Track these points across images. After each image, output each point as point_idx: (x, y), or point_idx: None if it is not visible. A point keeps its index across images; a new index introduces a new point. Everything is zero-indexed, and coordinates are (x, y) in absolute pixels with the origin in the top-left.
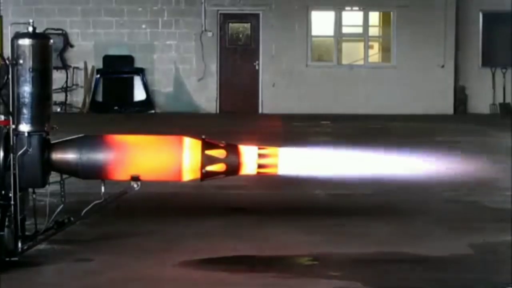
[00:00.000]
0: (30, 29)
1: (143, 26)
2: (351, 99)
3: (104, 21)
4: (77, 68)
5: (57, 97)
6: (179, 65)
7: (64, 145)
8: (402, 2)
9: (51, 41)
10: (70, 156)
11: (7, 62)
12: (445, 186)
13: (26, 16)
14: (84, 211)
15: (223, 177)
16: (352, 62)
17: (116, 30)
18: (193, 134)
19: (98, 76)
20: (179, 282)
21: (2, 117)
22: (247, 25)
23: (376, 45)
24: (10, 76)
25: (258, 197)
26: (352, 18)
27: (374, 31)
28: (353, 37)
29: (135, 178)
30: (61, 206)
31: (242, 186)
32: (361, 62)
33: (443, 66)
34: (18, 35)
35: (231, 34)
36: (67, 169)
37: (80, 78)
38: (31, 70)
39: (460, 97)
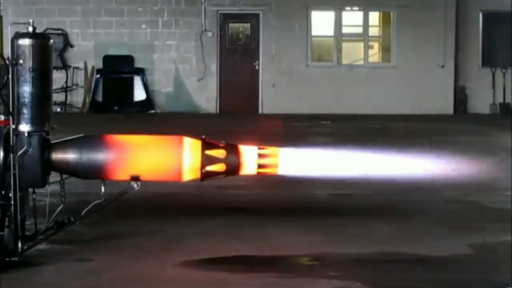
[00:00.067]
0: (30, 29)
1: (143, 26)
2: (351, 99)
3: (104, 21)
4: (77, 68)
5: (57, 97)
6: (179, 65)
7: (64, 145)
8: (402, 2)
9: (51, 41)
10: (70, 156)
11: (7, 62)
12: (445, 186)
13: (26, 16)
14: (84, 211)
15: (223, 177)
16: (352, 62)
17: (116, 30)
18: (193, 134)
19: (98, 76)
20: (179, 282)
21: (2, 117)
22: (247, 25)
23: (376, 45)
24: (10, 76)
25: (258, 197)
26: (352, 18)
27: (374, 31)
28: (353, 37)
29: (135, 178)
30: (61, 206)
31: (242, 186)
32: (361, 62)
33: (443, 66)
34: (18, 35)
35: (231, 34)
36: (67, 169)
37: (80, 78)
38: (31, 70)
39: (460, 97)
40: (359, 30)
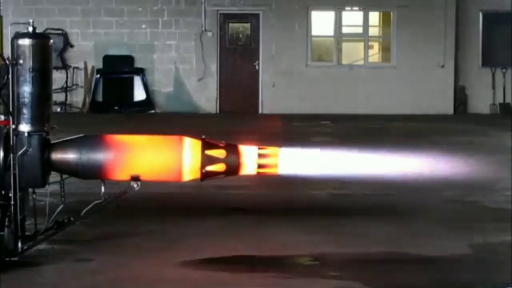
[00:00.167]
0: (30, 29)
1: (143, 26)
2: (351, 99)
3: (104, 21)
4: (77, 68)
5: (57, 97)
6: (179, 65)
7: (64, 145)
8: (402, 2)
9: (51, 41)
10: (70, 156)
11: (7, 62)
12: (445, 186)
13: (26, 16)
14: (84, 211)
15: (223, 177)
16: (352, 62)
17: (116, 30)
18: (193, 134)
19: (98, 76)
20: (179, 282)
21: (2, 117)
22: (247, 25)
23: (376, 45)
24: (10, 76)
25: (258, 197)
26: (352, 18)
27: (374, 31)
28: (353, 37)
29: (135, 178)
30: (61, 206)
31: (242, 186)
32: (361, 62)
33: (443, 66)
34: (18, 35)
35: (231, 34)
36: (67, 169)
37: (80, 78)
38: (31, 70)
39: (460, 97)
40: (359, 30)
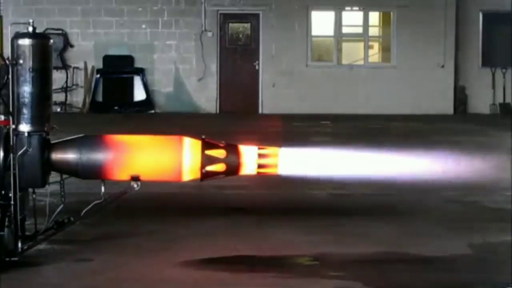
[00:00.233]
0: (30, 29)
1: (143, 26)
2: (351, 99)
3: (104, 21)
4: (77, 68)
5: (57, 97)
6: (179, 65)
7: (64, 145)
8: (402, 2)
9: (51, 41)
10: (70, 156)
11: (7, 62)
12: (445, 186)
13: (26, 16)
14: (84, 211)
15: (223, 177)
16: (352, 62)
17: (116, 30)
18: (193, 134)
19: (98, 76)
20: (179, 282)
21: (2, 117)
22: (247, 25)
23: (376, 45)
24: (10, 76)
25: (258, 197)
26: (352, 18)
27: (374, 31)
28: (353, 37)
29: (135, 178)
30: (61, 206)
31: (242, 186)
32: (361, 62)
33: (443, 66)
34: (18, 35)
35: (231, 34)
36: (67, 169)
37: (80, 78)
38: (31, 70)
39: (460, 97)
40: (359, 30)
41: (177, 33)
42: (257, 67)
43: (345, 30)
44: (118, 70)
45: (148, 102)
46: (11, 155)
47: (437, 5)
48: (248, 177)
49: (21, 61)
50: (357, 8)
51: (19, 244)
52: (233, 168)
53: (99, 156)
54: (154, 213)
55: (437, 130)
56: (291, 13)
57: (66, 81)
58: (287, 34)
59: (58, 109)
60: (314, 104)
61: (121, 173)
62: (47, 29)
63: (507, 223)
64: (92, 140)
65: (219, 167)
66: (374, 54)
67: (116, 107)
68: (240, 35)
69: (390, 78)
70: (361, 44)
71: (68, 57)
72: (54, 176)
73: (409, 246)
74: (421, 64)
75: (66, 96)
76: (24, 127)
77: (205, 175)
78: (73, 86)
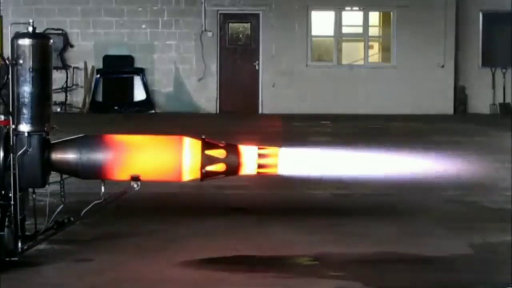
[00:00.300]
0: (30, 29)
1: (143, 26)
2: (351, 99)
3: (104, 21)
4: (77, 68)
5: (57, 97)
6: (179, 65)
7: (64, 145)
8: (402, 2)
9: (51, 41)
10: (70, 156)
11: (7, 62)
12: (445, 186)
13: (26, 16)
14: (84, 211)
15: (223, 177)
16: (352, 62)
17: (116, 30)
18: (193, 134)
19: (98, 76)
20: (179, 282)
21: (2, 117)
22: (247, 25)
23: (376, 45)
24: (10, 76)
25: (258, 197)
26: (352, 18)
27: (374, 31)
28: (353, 37)
29: (135, 178)
30: (61, 206)
31: (242, 186)
32: (361, 62)
33: (443, 66)
34: (18, 35)
35: (231, 34)
36: (67, 169)
37: (80, 78)
38: (31, 70)
39: (460, 97)
40: (359, 30)
41: (177, 33)
42: (257, 67)
43: (345, 30)
44: (118, 70)
45: (148, 102)
46: (11, 155)
47: (437, 5)
48: (248, 177)
49: (21, 61)
50: (357, 8)
51: (19, 244)
52: (233, 168)
53: (99, 156)
54: (154, 213)
55: (437, 130)
56: (291, 13)
57: (66, 81)
58: (287, 34)
59: (58, 109)
60: (314, 104)
61: (121, 173)
62: (47, 29)
63: (507, 223)
64: (92, 140)
65: (219, 167)
66: (374, 54)
67: (116, 107)
68: (240, 35)
69: (390, 78)
70: (361, 44)
71: (68, 57)
72: (54, 176)
73: (409, 246)
74: (421, 64)
75: (66, 96)
76: (24, 127)
77: (205, 175)
78: (73, 86)
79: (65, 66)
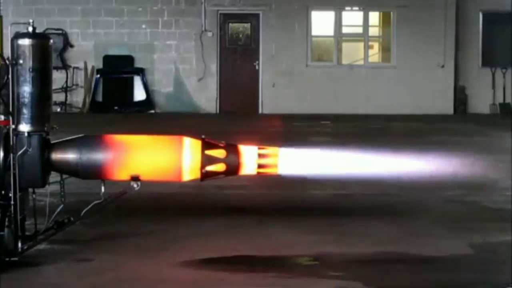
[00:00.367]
0: (30, 29)
1: (143, 26)
2: (351, 99)
3: (104, 21)
4: (77, 68)
5: (57, 97)
6: (179, 65)
7: (64, 145)
8: (402, 2)
9: (51, 41)
10: (70, 156)
11: (7, 62)
12: (445, 186)
13: (26, 16)
14: (84, 211)
15: (223, 177)
16: (352, 62)
17: (116, 30)
18: (193, 134)
19: (98, 76)
20: (179, 282)
21: (2, 117)
22: (247, 25)
23: (376, 45)
24: (10, 76)
25: (258, 197)
26: (352, 18)
27: (374, 31)
28: (353, 37)
29: (135, 178)
30: (61, 206)
31: (242, 186)
32: (361, 62)
33: (443, 66)
34: (18, 35)
35: (231, 34)
36: (67, 169)
37: (80, 78)
38: (31, 70)
39: (460, 97)
40: (359, 30)
41: (177, 33)
42: (257, 67)
43: (345, 30)
44: (118, 70)
45: (148, 102)
46: (11, 155)
47: (437, 5)
48: (248, 177)
49: (21, 61)
50: (357, 8)
51: (19, 244)
52: (233, 168)
53: (99, 156)
54: (154, 213)
55: (437, 130)
56: (291, 13)
57: (66, 81)
58: (287, 34)
59: (58, 109)
60: (314, 104)
61: (121, 173)
62: (47, 29)
63: (507, 223)
64: (92, 140)
65: (219, 167)
66: (374, 54)
67: (116, 107)
68: (240, 35)
69: (390, 78)
70: (361, 44)
71: (68, 57)
72: (54, 176)
73: (409, 246)
74: (421, 64)
75: (66, 96)
76: (24, 127)
77: (205, 175)
78: (73, 86)
79: (65, 66)
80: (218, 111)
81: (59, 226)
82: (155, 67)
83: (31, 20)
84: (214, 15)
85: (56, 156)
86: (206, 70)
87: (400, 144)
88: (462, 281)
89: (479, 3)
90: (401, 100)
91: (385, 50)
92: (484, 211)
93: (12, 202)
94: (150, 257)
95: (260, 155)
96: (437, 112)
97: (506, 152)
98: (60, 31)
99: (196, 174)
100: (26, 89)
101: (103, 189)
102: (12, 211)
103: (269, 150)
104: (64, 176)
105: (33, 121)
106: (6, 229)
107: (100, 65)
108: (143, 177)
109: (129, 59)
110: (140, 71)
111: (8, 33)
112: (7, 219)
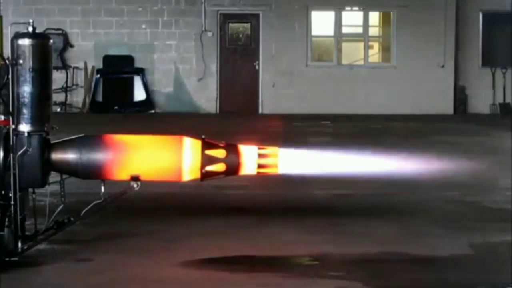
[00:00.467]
0: (30, 29)
1: (143, 26)
2: (351, 99)
3: (104, 21)
4: (77, 68)
5: (57, 97)
6: (179, 65)
7: (64, 145)
8: (402, 2)
9: (51, 41)
10: (70, 156)
11: (7, 62)
12: (445, 186)
13: (26, 16)
14: (84, 211)
15: (223, 177)
16: (352, 62)
17: (116, 30)
18: (193, 134)
19: (98, 76)
20: (179, 282)
21: (2, 117)
22: (247, 25)
23: (376, 45)
24: (10, 76)
25: (258, 197)
26: (352, 18)
27: (374, 31)
28: (353, 37)
29: (135, 178)
30: (61, 206)
31: (242, 186)
32: (361, 62)
33: (443, 66)
34: (18, 35)
35: (231, 34)
36: (67, 169)
37: (80, 78)
38: (31, 70)
39: (460, 97)
40: (359, 30)
41: (177, 33)
42: (257, 67)
43: (345, 30)
44: (118, 70)
45: (148, 102)
46: (11, 155)
47: (437, 5)
48: (248, 177)
49: (21, 61)
50: (357, 8)
51: (19, 244)
52: (233, 168)
53: (99, 156)
54: (154, 213)
55: (437, 130)
56: (291, 13)
57: (66, 81)
58: (287, 34)
59: (58, 109)
60: (314, 104)
61: (121, 173)
62: (47, 29)
63: (507, 223)
64: (92, 140)
65: (219, 167)
66: (374, 54)
67: (116, 107)
68: (240, 35)
69: (390, 78)
70: (361, 44)
71: (68, 57)
72: (54, 176)
73: (409, 246)
74: (421, 64)
75: (66, 96)
76: (24, 127)
77: (205, 175)
78: (73, 86)
79: (65, 66)
80: (218, 111)
81: (59, 226)
82: (155, 67)
83: (31, 20)
84: (214, 15)
85: (56, 156)
86: (206, 70)
87: (400, 144)
88: (462, 281)
89: (479, 3)
90: (401, 100)
91: (385, 50)
92: (484, 211)
93: (12, 202)
94: (150, 257)
95: (260, 155)
96: (437, 112)
97: (506, 152)
98: (60, 31)
99: (196, 174)
100: (26, 89)
101: (103, 189)
102: (12, 211)
103: (269, 150)
104: (64, 176)
105: (33, 121)
106: (6, 229)
107: (100, 65)
108: (143, 177)
109: (129, 59)
110: (140, 71)
111: (8, 33)
112: (7, 219)
